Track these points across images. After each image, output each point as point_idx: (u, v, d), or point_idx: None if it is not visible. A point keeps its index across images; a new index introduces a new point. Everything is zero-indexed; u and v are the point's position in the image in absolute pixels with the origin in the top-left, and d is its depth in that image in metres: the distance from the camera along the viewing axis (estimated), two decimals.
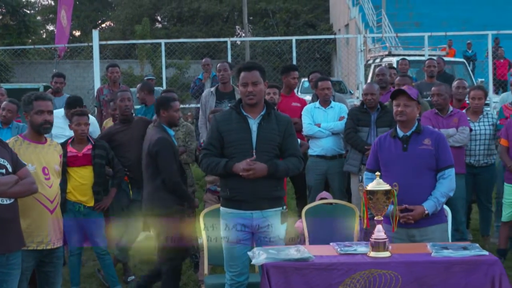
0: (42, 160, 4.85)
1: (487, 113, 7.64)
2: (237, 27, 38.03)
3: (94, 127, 7.62)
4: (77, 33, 40.12)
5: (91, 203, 6.31)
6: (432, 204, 4.94)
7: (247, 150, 4.77)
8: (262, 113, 4.88)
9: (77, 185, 6.26)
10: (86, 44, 17.06)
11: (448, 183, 5.01)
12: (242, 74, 4.86)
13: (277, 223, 4.86)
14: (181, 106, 8.92)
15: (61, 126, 6.63)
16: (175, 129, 6.75)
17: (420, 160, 5.00)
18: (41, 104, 4.85)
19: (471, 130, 7.32)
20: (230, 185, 4.84)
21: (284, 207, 4.94)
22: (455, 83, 8.04)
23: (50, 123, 4.90)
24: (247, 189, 4.77)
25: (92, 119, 7.82)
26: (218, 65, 8.69)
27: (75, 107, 7.11)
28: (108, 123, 7.98)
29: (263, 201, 4.80)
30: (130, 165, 6.82)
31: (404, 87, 5.22)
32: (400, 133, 5.11)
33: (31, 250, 4.72)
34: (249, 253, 4.49)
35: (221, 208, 4.97)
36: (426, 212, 4.91)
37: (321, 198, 6.34)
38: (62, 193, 6.09)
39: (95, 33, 13.88)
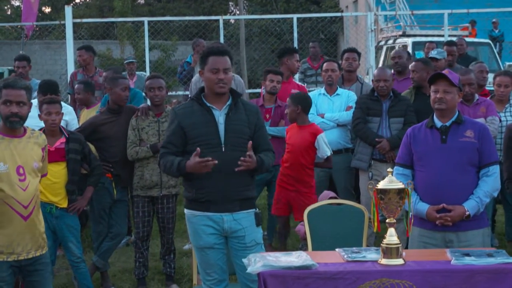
0: (17, 157, 4.70)
1: None
2: (230, 3, 37.95)
3: (71, 116, 7.55)
4: (47, 10, 39.99)
5: (65, 204, 6.27)
6: (474, 205, 4.94)
7: (215, 146, 4.76)
8: (229, 103, 4.88)
9: (48, 184, 6.15)
10: (57, 22, 16.94)
11: (492, 181, 5.03)
12: (212, 58, 4.82)
13: (252, 226, 4.89)
14: (168, 93, 8.86)
15: (35, 116, 6.58)
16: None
17: (461, 154, 5.00)
18: (9, 93, 4.68)
19: (500, 120, 7.31)
20: (197, 185, 4.83)
21: (257, 208, 4.96)
22: (475, 67, 8.03)
23: (19, 116, 4.69)
24: (216, 189, 4.78)
25: (69, 108, 7.78)
26: None
27: (48, 93, 6.97)
28: (83, 112, 7.96)
29: (234, 202, 4.82)
30: (115, 161, 6.81)
31: (445, 71, 5.18)
32: (438, 123, 5.10)
33: (4, 261, 4.68)
34: (244, 260, 4.49)
35: (186, 211, 4.96)
36: (467, 213, 4.93)
37: (330, 197, 6.35)
38: None
39: (68, 10, 13.85)
